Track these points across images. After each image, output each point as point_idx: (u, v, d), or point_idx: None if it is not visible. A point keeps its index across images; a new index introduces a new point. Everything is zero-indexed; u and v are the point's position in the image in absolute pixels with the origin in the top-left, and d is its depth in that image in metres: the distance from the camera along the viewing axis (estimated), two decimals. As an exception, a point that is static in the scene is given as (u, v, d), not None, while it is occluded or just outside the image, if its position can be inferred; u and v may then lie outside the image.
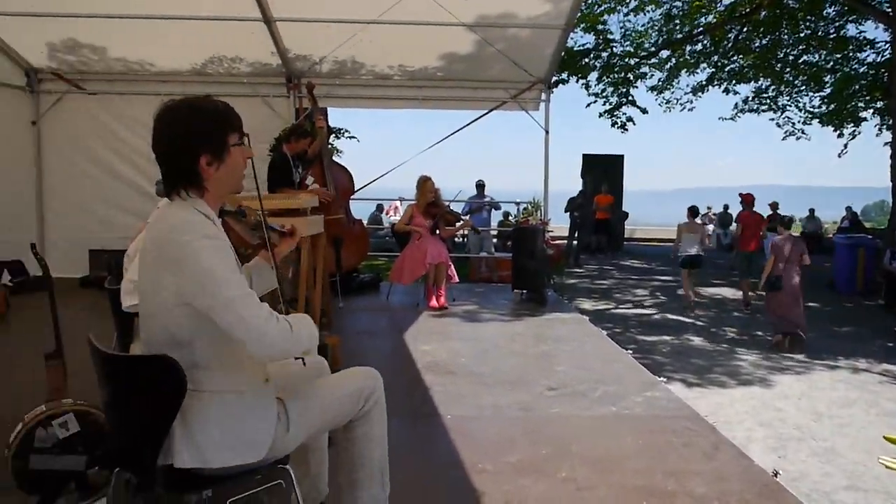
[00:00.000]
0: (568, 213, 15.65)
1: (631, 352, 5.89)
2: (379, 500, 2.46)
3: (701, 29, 16.04)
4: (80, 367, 2.43)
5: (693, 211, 10.91)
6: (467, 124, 9.40)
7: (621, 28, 16.42)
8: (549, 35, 8.10)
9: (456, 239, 13.76)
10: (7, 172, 8.13)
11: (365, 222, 13.49)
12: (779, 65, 16.58)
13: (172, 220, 1.97)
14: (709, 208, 21.95)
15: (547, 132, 9.13)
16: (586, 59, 15.42)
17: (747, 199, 10.93)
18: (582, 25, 15.14)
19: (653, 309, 10.84)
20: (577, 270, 15.23)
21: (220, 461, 1.99)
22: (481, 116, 9.29)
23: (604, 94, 16.13)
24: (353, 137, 15.68)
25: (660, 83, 16.76)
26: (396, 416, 4.12)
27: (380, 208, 17.34)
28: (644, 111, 16.39)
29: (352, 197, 9.31)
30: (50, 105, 8.53)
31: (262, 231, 2.38)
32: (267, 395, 2.14)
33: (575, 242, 15.88)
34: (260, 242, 2.43)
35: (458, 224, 8.11)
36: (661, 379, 5.02)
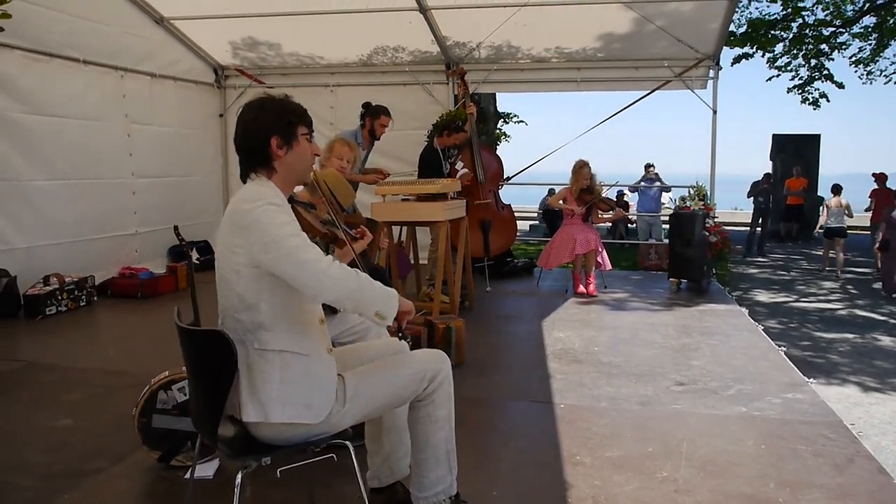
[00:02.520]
0: (752, 199, 14.54)
1: (785, 349, 5.37)
2: (445, 482, 2.49)
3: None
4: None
5: (836, 189, 12.46)
6: (629, 105, 9.07)
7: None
8: (715, 8, 7.54)
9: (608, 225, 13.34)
10: (200, 162, 9.06)
11: (536, 207, 13.36)
12: None
13: (241, 194, 2.20)
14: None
15: (715, 112, 8.55)
16: (773, 31, 14.09)
17: (880, 178, 13.16)
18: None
19: (839, 304, 9.82)
20: (760, 260, 14.15)
21: (279, 416, 2.13)
22: (644, 97, 8.90)
23: (790, 68, 14.68)
24: (522, 122, 15.61)
25: (861, 53, 14.93)
26: (506, 399, 4.16)
27: (551, 193, 17.20)
28: (840, 86, 14.74)
29: (510, 181, 9.38)
30: (234, 98, 9.37)
31: (332, 226, 2.49)
32: (329, 365, 2.27)
33: (759, 230, 14.72)
34: (327, 232, 2.54)
35: (611, 213, 7.82)
36: (810, 380, 4.54)
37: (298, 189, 3.60)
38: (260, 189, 2.18)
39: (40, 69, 6.67)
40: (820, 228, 12.58)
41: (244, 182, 2.27)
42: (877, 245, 10.21)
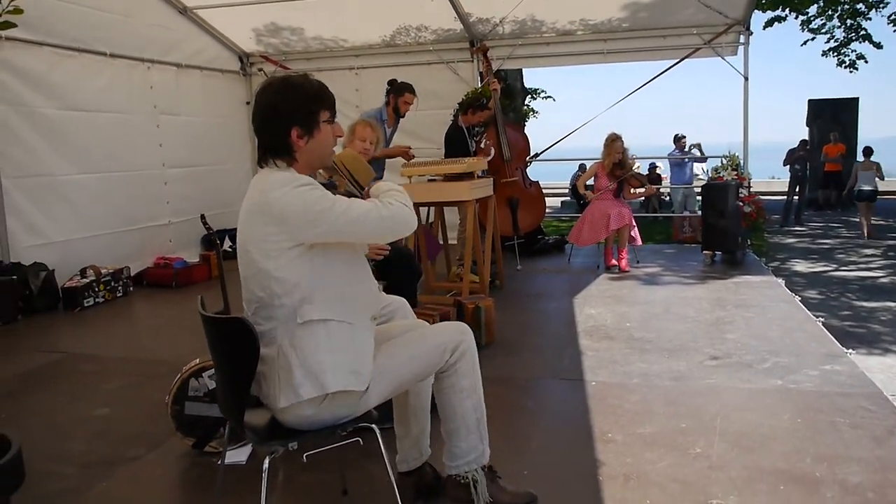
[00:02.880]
0: (787, 167, 14.20)
1: (823, 319, 5.25)
2: (476, 451, 2.49)
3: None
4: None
5: (867, 151, 12.69)
6: (658, 75, 8.92)
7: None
8: (744, -30, 7.34)
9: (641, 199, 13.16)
10: (229, 150, 9.13)
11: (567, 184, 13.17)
12: None
13: (262, 186, 2.16)
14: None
15: (746, 78, 8.33)
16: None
17: None
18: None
19: (881, 272, 9.58)
20: (798, 229, 13.86)
21: (335, 385, 2.13)
22: (673, 66, 8.73)
23: (825, 30, 14.19)
24: (550, 97, 15.43)
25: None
26: (536, 377, 4.14)
27: (582, 168, 17.02)
28: (879, 46, 14.22)
29: (538, 158, 9.29)
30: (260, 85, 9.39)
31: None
32: (372, 331, 2.29)
33: (796, 198, 14.39)
34: None
35: (642, 189, 7.65)
36: (849, 351, 4.43)
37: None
38: (281, 176, 2.14)
39: (69, 65, 6.77)
40: (851, 192, 12.66)
41: (261, 166, 2.25)
42: None
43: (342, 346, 2.16)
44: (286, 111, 2.16)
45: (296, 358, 2.13)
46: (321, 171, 2.51)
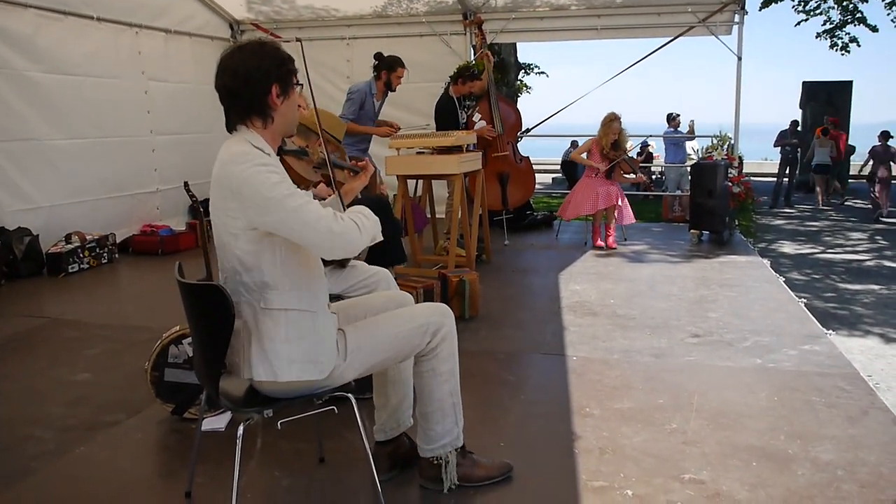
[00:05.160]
0: (778, 149, 14.19)
1: (805, 301, 5.30)
2: (451, 434, 2.51)
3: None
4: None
5: (824, 130, 13.96)
6: (651, 52, 8.88)
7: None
8: (741, -52, 7.27)
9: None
10: (218, 118, 8.79)
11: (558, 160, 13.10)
12: None
13: (225, 156, 2.12)
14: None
15: (739, 58, 8.29)
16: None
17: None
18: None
19: (867, 255, 9.63)
20: (788, 211, 13.90)
21: (287, 375, 2.13)
22: (667, 44, 8.69)
23: (820, 11, 14.09)
24: (543, 73, 15.32)
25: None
26: (518, 352, 4.16)
27: (574, 145, 16.98)
28: (874, 29, 14.14)
29: (530, 133, 9.25)
30: (250, 53, 9.28)
31: (326, 168, 2.44)
32: (332, 320, 2.28)
33: (786, 180, 14.41)
34: (322, 180, 2.50)
35: (632, 175, 7.56)
36: (829, 332, 4.47)
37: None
38: (244, 149, 2.09)
39: (55, 28, 6.66)
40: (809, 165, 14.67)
41: (230, 132, 2.22)
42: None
43: (302, 335, 2.15)
44: (267, 69, 2.13)
45: (255, 340, 2.13)
46: (293, 139, 2.48)
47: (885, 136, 12.89)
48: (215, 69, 2.17)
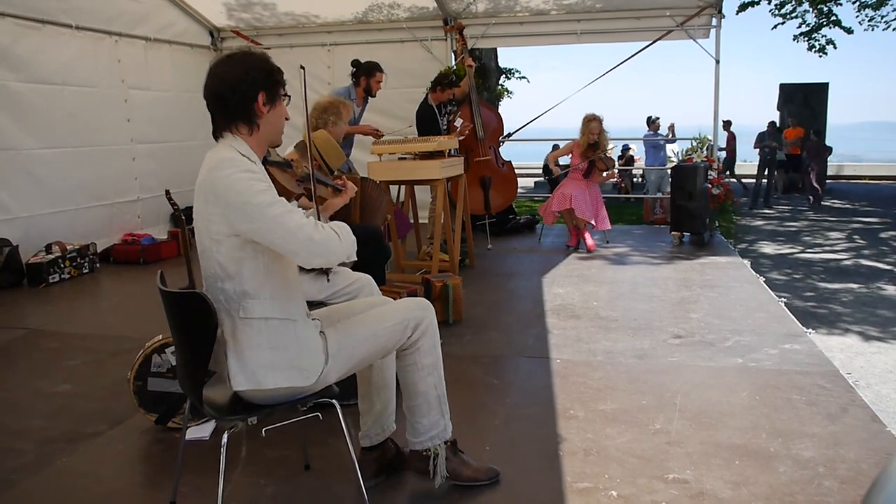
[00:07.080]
0: (757, 150, 14.36)
1: (785, 300, 5.35)
2: (438, 426, 2.54)
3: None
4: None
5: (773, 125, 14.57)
6: (631, 56, 8.93)
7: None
8: (717, -48, 7.36)
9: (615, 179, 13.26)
10: (199, 126, 8.86)
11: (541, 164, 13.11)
12: None
13: (210, 163, 2.14)
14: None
15: (718, 61, 8.39)
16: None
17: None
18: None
19: (845, 254, 9.76)
20: (767, 211, 14.06)
21: (272, 382, 2.14)
22: (646, 48, 8.75)
23: (796, 15, 14.28)
24: (524, 78, 15.39)
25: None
26: (502, 355, 4.17)
27: (555, 149, 17.07)
28: (849, 31, 14.35)
29: (511, 138, 9.29)
30: (231, 61, 9.25)
31: (309, 183, 2.45)
32: (314, 327, 2.28)
33: (765, 181, 14.57)
34: (304, 193, 2.51)
35: (607, 173, 7.62)
36: (809, 331, 4.53)
37: (289, 150, 3.58)
38: (230, 155, 2.12)
39: (33, 36, 6.61)
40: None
41: (217, 139, 2.23)
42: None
43: (284, 343, 2.16)
44: (253, 77, 2.17)
45: (233, 350, 2.14)
46: (293, 151, 2.49)
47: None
48: (205, 78, 2.20)
